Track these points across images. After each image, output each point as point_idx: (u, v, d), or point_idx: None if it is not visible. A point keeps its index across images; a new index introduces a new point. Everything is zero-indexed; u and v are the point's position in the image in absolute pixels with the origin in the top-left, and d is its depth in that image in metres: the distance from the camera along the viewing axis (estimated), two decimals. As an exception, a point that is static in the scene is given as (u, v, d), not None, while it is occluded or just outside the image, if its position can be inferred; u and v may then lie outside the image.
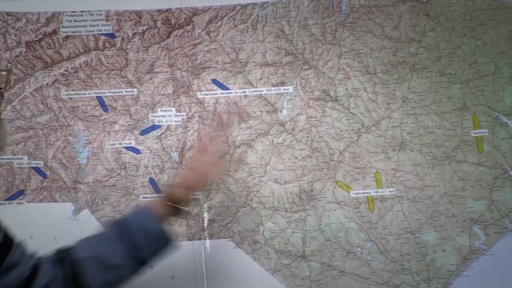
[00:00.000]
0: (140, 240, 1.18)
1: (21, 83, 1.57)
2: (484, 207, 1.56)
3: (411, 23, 1.64)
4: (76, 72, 1.59)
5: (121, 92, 1.58)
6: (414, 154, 1.58)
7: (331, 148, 1.58)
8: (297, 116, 1.60)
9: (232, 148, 1.58)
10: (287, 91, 1.61)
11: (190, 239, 1.53)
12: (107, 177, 1.55)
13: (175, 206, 1.25)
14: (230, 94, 1.60)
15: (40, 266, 1.12)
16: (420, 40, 1.64)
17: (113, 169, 1.55)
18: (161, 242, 1.22)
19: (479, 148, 1.59)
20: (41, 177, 1.54)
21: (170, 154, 1.56)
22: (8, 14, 1.59)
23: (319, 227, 1.54)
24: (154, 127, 1.57)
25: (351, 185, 1.57)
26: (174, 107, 1.59)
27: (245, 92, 1.60)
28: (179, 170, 1.53)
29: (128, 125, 1.57)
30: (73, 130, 1.56)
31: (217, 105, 1.59)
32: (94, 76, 1.59)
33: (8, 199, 1.52)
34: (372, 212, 1.55)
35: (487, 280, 1.53)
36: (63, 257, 1.14)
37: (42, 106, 1.57)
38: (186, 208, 1.26)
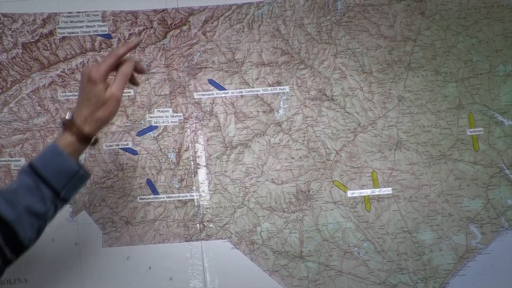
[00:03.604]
0: (55, 180, 1.12)
1: (18, 84, 1.50)
2: (480, 206, 1.50)
3: (406, 22, 1.58)
4: (72, 73, 1.52)
5: (118, 93, 1.51)
6: (410, 153, 1.52)
7: (328, 148, 1.52)
8: (294, 116, 1.53)
9: (228, 148, 1.51)
10: (283, 91, 1.54)
11: (187, 240, 1.47)
12: (105, 179, 1.48)
13: (81, 137, 1.15)
14: (227, 94, 1.53)
15: None
16: (416, 38, 1.57)
17: (111, 170, 1.48)
18: (74, 175, 1.15)
19: (475, 146, 1.52)
20: (38, 179, 1.46)
21: (167, 155, 1.50)
22: (4, 15, 1.53)
23: (316, 227, 1.48)
24: (151, 128, 1.51)
25: (347, 184, 1.51)
26: (171, 107, 1.52)
27: (241, 92, 1.54)
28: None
29: (125, 126, 1.51)
30: (70, 132, 1.49)
31: (213, 105, 1.52)
32: (90, 77, 1.51)
33: (6, 201, 1.45)
34: (369, 212, 1.50)
35: (484, 279, 1.48)
36: None
37: (39, 108, 1.50)
38: (94, 136, 1.17)
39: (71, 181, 1.15)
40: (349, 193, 1.50)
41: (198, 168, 1.50)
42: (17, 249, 1.11)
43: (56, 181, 1.13)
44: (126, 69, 1.19)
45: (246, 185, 1.50)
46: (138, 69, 1.24)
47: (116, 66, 1.19)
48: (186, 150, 1.51)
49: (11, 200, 1.09)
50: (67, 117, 1.18)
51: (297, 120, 1.53)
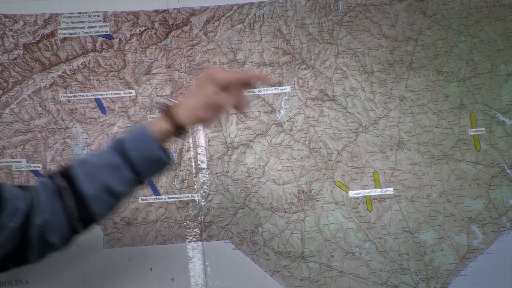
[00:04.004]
0: (141, 165, 1.12)
1: (19, 85, 1.50)
2: (482, 206, 1.50)
3: (408, 22, 1.57)
4: (74, 74, 1.51)
5: (119, 93, 1.51)
6: (412, 153, 1.51)
7: (329, 148, 1.51)
8: (295, 116, 1.53)
9: (230, 149, 1.51)
10: (285, 91, 1.53)
11: (189, 241, 1.47)
12: (106, 179, 1.47)
13: (177, 127, 1.14)
14: (228, 95, 1.52)
15: (35, 202, 1.09)
16: (417, 38, 1.57)
17: (112, 171, 1.47)
18: (161, 164, 1.16)
19: (476, 146, 1.52)
20: (40, 180, 1.46)
21: (169, 156, 1.49)
22: (5, 16, 1.52)
23: (318, 228, 1.48)
24: (152, 129, 1.49)
25: (349, 185, 1.50)
26: (172, 108, 1.51)
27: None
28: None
29: (127, 127, 1.50)
30: (72, 133, 1.49)
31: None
32: (92, 78, 1.52)
33: (8, 202, 1.44)
34: (370, 212, 1.49)
35: (485, 279, 1.47)
36: (62, 188, 1.10)
37: (40, 109, 1.49)
38: (187, 130, 1.16)
39: (155, 168, 1.16)
40: (351, 194, 1.49)
41: (200, 168, 1.49)
42: (86, 222, 1.12)
43: (141, 166, 1.13)
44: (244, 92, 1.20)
45: (248, 186, 1.49)
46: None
47: (238, 84, 1.17)
48: (187, 151, 1.50)
49: (92, 175, 1.11)
50: (168, 102, 1.18)
51: (299, 120, 1.52)
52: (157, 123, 1.15)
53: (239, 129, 1.52)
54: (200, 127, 1.49)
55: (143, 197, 1.47)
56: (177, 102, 1.18)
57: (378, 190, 1.50)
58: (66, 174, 1.12)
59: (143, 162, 1.13)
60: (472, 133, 1.52)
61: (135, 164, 1.12)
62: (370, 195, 1.50)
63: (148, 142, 1.13)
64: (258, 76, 1.21)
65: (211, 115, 1.16)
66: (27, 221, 1.08)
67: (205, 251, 1.46)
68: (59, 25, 1.52)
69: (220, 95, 1.15)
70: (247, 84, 1.18)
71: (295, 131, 1.52)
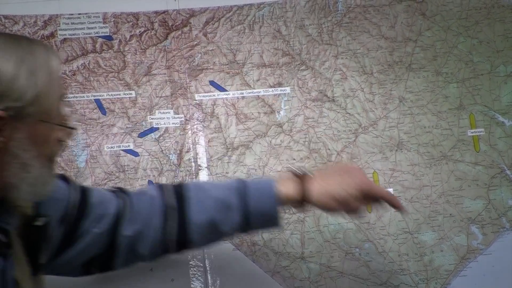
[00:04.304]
0: (255, 217, 1.14)
1: (19, 86, 1.48)
2: (482, 207, 1.50)
3: (407, 23, 1.58)
4: (74, 75, 1.51)
5: (119, 94, 1.51)
6: (411, 154, 1.51)
7: (329, 149, 1.51)
8: (295, 117, 1.53)
9: (230, 149, 1.51)
10: (284, 92, 1.53)
11: (189, 241, 1.46)
12: (106, 180, 1.47)
13: (304, 201, 1.15)
14: (228, 96, 1.53)
15: (126, 212, 1.13)
16: (416, 39, 1.57)
17: (112, 172, 1.48)
18: (272, 225, 1.17)
19: (475, 147, 1.52)
20: (40, 181, 1.45)
21: (169, 157, 1.49)
22: (5, 17, 1.52)
23: (318, 228, 1.47)
24: (152, 130, 1.50)
25: (349, 185, 1.49)
26: (172, 109, 1.51)
27: (242, 93, 1.53)
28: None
29: (127, 127, 1.50)
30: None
31: (214, 106, 1.52)
32: (92, 78, 1.51)
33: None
34: (370, 213, 1.48)
35: (485, 280, 1.47)
36: (170, 208, 1.14)
37: (40, 110, 1.48)
38: (309, 205, 1.16)
39: (265, 225, 1.18)
40: (351, 194, 1.49)
41: (200, 169, 1.49)
42: (181, 246, 1.15)
43: (255, 217, 1.15)
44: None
45: (248, 187, 1.49)
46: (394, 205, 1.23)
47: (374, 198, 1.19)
48: (187, 152, 1.50)
49: (204, 205, 1.13)
50: (305, 171, 1.18)
51: (298, 121, 1.52)
52: (287, 187, 1.15)
53: (238, 130, 1.51)
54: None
55: (143, 198, 1.47)
56: (312, 175, 1.17)
57: (378, 190, 1.49)
58: (179, 192, 1.14)
59: (258, 215, 1.14)
60: (472, 134, 1.52)
61: (250, 213, 1.14)
62: (370, 196, 1.49)
63: (271, 200, 1.14)
64: (395, 203, 1.21)
65: (339, 209, 1.16)
66: (115, 228, 1.11)
67: (205, 252, 1.46)
68: (59, 26, 1.52)
69: (358, 201, 1.15)
70: (378, 200, 1.20)
71: (295, 132, 1.52)
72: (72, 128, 1.00)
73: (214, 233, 1.15)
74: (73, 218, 1.11)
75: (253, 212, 1.14)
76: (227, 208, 1.14)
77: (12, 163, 0.90)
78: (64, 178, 1.16)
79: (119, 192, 1.19)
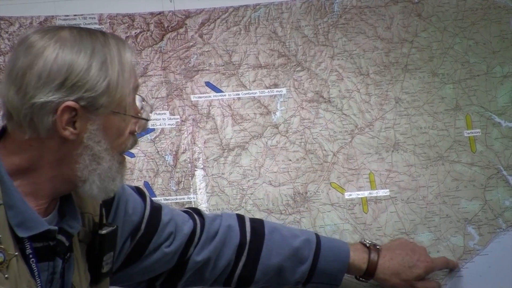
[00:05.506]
0: (319, 274, 1.19)
1: (14, 88, 1.48)
2: (478, 207, 1.49)
3: (403, 24, 1.57)
4: (69, 76, 1.50)
5: (115, 95, 1.50)
6: (407, 155, 1.51)
7: (325, 150, 1.51)
8: (291, 118, 1.52)
9: (226, 150, 1.50)
10: (280, 93, 1.53)
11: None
12: (102, 181, 1.46)
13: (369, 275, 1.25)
14: (224, 97, 1.53)
15: (195, 237, 1.17)
16: (412, 40, 1.57)
17: (108, 173, 1.46)
18: (331, 284, 1.22)
19: (472, 148, 1.51)
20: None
21: (165, 158, 1.49)
22: (1, 18, 1.52)
23: (314, 229, 1.46)
24: (148, 131, 1.49)
25: (345, 186, 1.50)
26: (168, 110, 1.51)
27: (238, 94, 1.53)
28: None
29: (128, 130, 1.49)
30: (67, 135, 1.48)
31: (210, 107, 1.52)
32: (87, 80, 1.50)
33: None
34: (366, 214, 1.48)
35: (481, 280, 1.46)
36: (243, 243, 1.18)
37: (35, 111, 1.48)
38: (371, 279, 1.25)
39: (324, 283, 1.22)
40: (347, 195, 1.49)
41: (195, 170, 1.48)
42: (242, 281, 1.19)
43: (319, 274, 1.20)
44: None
45: (244, 187, 1.48)
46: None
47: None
48: (183, 153, 1.50)
49: (277, 247, 1.19)
50: (376, 245, 1.30)
51: (294, 122, 1.52)
52: (359, 257, 1.23)
53: (234, 131, 1.51)
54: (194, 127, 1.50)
55: (139, 199, 1.46)
56: (380, 247, 1.27)
57: (374, 191, 1.49)
58: (256, 228, 1.19)
59: (322, 273, 1.19)
60: (468, 135, 1.52)
61: (316, 269, 1.18)
62: (366, 197, 1.49)
63: (343, 265, 1.21)
64: (454, 267, 1.39)
65: (400, 287, 1.25)
66: (186, 250, 1.14)
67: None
68: (54, 28, 1.52)
69: (419, 280, 1.28)
70: None
71: (291, 133, 1.52)
72: (146, 120, 1.00)
73: (277, 276, 1.18)
74: (144, 233, 1.12)
75: (320, 268, 1.19)
76: (299, 260, 1.18)
77: (84, 154, 0.90)
78: (140, 192, 1.17)
79: (194, 213, 1.21)
